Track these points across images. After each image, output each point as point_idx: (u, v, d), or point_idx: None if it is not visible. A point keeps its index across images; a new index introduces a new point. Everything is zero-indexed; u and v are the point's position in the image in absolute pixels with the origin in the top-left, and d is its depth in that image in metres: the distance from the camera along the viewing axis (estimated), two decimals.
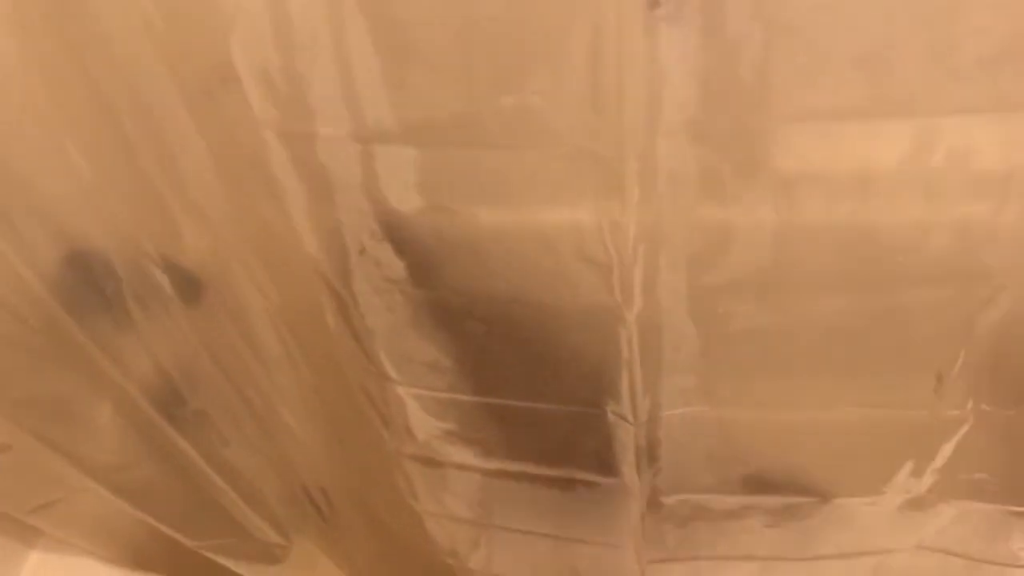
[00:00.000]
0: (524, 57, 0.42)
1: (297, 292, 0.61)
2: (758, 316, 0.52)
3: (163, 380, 0.68)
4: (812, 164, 0.46)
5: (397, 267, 0.52)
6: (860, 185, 0.46)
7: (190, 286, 0.65)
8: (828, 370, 0.56)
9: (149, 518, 0.74)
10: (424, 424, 0.65)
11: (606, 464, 0.64)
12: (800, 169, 0.46)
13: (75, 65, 0.50)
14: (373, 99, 0.44)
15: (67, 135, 0.52)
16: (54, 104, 0.51)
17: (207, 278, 0.65)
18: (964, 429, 0.58)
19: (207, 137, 0.53)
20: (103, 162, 0.54)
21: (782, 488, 0.65)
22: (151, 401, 0.67)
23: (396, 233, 0.50)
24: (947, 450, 0.59)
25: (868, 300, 0.51)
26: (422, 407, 0.63)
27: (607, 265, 0.49)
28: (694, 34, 0.40)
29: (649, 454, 0.61)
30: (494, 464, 0.67)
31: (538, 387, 0.59)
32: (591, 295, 0.50)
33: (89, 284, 0.60)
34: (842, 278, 0.50)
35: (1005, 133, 0.43)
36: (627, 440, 0.60)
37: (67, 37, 0.48)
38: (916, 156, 0.44)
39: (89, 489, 0.71)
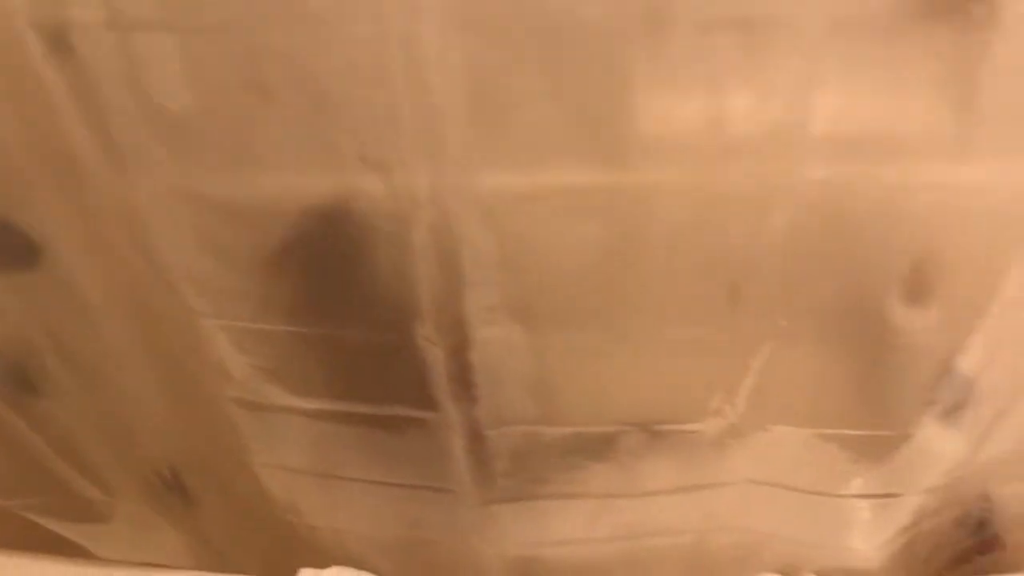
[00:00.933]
0: None
1: (98, 222, 0.59)
2: (554, 225, 0.52)
3: None
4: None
5: (172, 171, 0.50)
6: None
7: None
8: (630, 287, 0.56)
9: None
10: (237, 361, 0.63)
11: (424, 396, 0.62)
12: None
13: None
14: None
15: None
16: None
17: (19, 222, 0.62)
18: (766, 348, 0.58)
19: None
20: None
21: (604, 418, 0.64)
22: None
23: (167, 133, 0.48)
24: (754, 370, 0.60)
25: None
26: (231, 341, 0.61)
27: (386, 165, 0.48)
28: None
29: (462, 380, 0.60)
30: (315, 404, 0.65)
31: (343, 311, 0.57)
32: (374, 201, 0.49)
33: None
34: None
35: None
36: (439, 367, 0.59)
37: None
38: None
39: None
